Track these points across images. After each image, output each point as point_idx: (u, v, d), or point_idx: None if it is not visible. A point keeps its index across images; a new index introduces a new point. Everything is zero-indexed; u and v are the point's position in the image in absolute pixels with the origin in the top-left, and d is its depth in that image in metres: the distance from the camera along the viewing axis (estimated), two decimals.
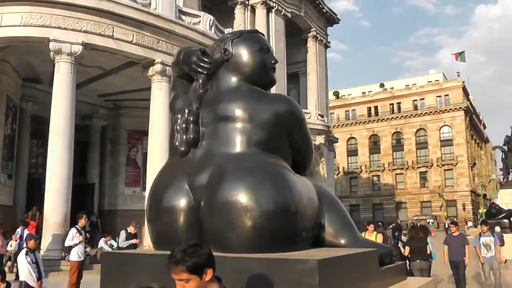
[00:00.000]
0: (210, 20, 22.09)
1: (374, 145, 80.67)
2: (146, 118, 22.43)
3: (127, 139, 26.81)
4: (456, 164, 75.28)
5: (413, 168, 77.68)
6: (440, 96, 78.25)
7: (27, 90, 22.40)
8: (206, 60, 4.56)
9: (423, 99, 79.38)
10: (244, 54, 4.57)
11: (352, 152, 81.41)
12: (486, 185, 77.56)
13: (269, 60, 4.70)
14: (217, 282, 2.63)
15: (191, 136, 4.33)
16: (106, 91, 23.84)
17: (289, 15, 39.05)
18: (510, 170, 33.11)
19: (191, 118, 4.37)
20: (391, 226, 14.07)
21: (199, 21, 21.58)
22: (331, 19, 47.26)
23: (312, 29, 43.42)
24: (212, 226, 3.88)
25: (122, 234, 14.04)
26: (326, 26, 47.33)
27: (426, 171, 77.31)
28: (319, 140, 40.09)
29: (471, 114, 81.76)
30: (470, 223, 55.17)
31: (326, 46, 46.78)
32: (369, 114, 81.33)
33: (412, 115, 78.59)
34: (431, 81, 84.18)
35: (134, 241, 13.48)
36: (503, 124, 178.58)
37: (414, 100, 79.57)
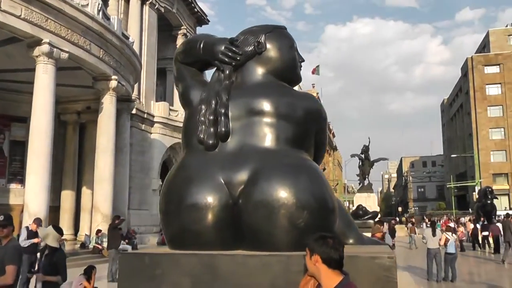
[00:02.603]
0: (98, 4, 21.06)
1: None
2: (17, 102, 20.70)
3: None
4: None
5: None
6: None
7: None
8: (237, 51, 4.45)
9: None
10: (277, 49, 4.54)
11: None
12: (336, 189, 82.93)
13: (297, 58, 4.76)
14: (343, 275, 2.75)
15: (223, 129, 4.15)
16: None
17: (162, 10, 38.48)
18: (366, 176, 35.90)
19: (222, 111, 4.19)
20: None
21: (88, 4, 20.41)
22: (201, 19, 47.33)
23: (182, 27, 43.16)
24: (255, 224, 3.79)
25: (24, 232, 12.43)
26: (195, 26, 47.28)
27: None
28: None
29: None
30: None
31: None
32: None
33: None
34: None
35: (36, 240, 12.00)
36: (347, 134, 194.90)
37: None
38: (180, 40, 43.17)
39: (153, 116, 35.95)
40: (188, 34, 43.66)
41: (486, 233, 27.49)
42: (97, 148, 22.43)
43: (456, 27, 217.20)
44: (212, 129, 4.17)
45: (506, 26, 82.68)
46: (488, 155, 70.99)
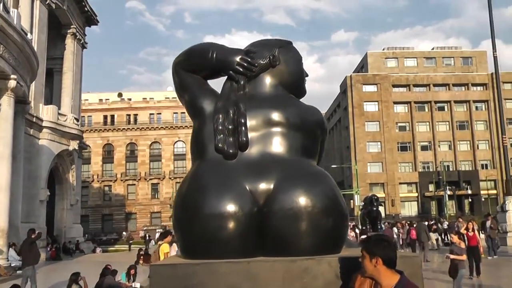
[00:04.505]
0: None
1: (108, 155, 78.84)
2: None
3: None
4: None
5: (145, 179, 78.31)
6: (176, 113, 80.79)
7: None
8: (253, 62, 4.52)
9: (160, 113, 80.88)
10: (290, 63, 4.71)
11: (85, 161, 77.67)
12: None
13: (304, 72, 4.97)
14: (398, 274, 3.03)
15: (244, 138, 4.21)
16: None
17: (54, 6, 36.06)
18: None
19: (242, 120, 4.25)
20: None
21: None
22: (90, 19, 45.15)
23: (72, 26, 40.88)
24: (284, 230, 3.87)
25: None
26: (84, 26, 44.97)
27: (158, 183, 78.70)
28: (72, 145, 37.76)
29: None
30: None
31: (84, 46, 44.29)
32: (105, 123, 79.30)
33: (148, 127, 79.31)
34: (168, 97, 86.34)
35: None
36: None
37: (151, 114, 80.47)
38: (69, 40, 40.78)
39: (42, 120, 33.31)
40: (77, 33, 41.34)
41: (364, 236, 28.87)
42: None
43: (331, 47, 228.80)
44: (231, 139, 4.21)
45: (383, 49, 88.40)
46: (365, 166, 75.12)
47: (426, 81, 79.17)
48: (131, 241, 46.78)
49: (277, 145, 4.28)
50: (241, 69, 4.49)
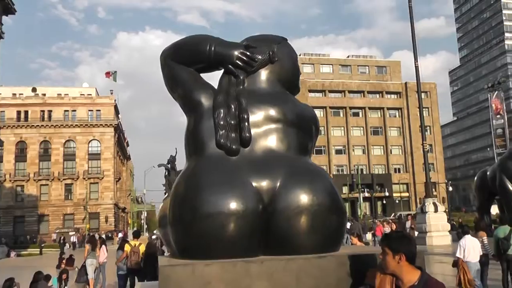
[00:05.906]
0: None
1: (21, 153, 74.80)
2: None
3: None
4: (103, 178, 76.16)
5: (59, 179, 75.01)
6: (92, 110, 78.19)
7: None
8: (253, 57, 4.49)
9: (75, 110, 77.80)
10: (288, 60, 4.74)
11: None
12: (136, 199, 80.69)
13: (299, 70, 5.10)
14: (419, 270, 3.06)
15: (247, 134, 4.15)
16: None
17: None
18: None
19: (245, 116, 4.18)
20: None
21: None
22: (8, 7, 43.02)
23: None
24: (290, 230, 3.90)
25: None
26: (1, 15, 42.66)
27: (72, 184, 75.61)
28: None
29: (119, 132, 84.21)
30: (120, 235, 53.90)
31: (0, 36, 42.05)
32: (18, 119, 75.24)
33: (62, 125, 76.17)
34: (83, 94, 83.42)
35: None
36: (137, 143, 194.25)
37: (66, 110, 77.28)
38: None
39: None
40: None
41: None
42: None
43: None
44: (234, 134, 4.13)
45: (299, 55, 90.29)
46: None
47: (341, 87, 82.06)
48: (42, 245, 44.82)
49: (278, 142, 4.27)
50: (241, 64, 4.42)
